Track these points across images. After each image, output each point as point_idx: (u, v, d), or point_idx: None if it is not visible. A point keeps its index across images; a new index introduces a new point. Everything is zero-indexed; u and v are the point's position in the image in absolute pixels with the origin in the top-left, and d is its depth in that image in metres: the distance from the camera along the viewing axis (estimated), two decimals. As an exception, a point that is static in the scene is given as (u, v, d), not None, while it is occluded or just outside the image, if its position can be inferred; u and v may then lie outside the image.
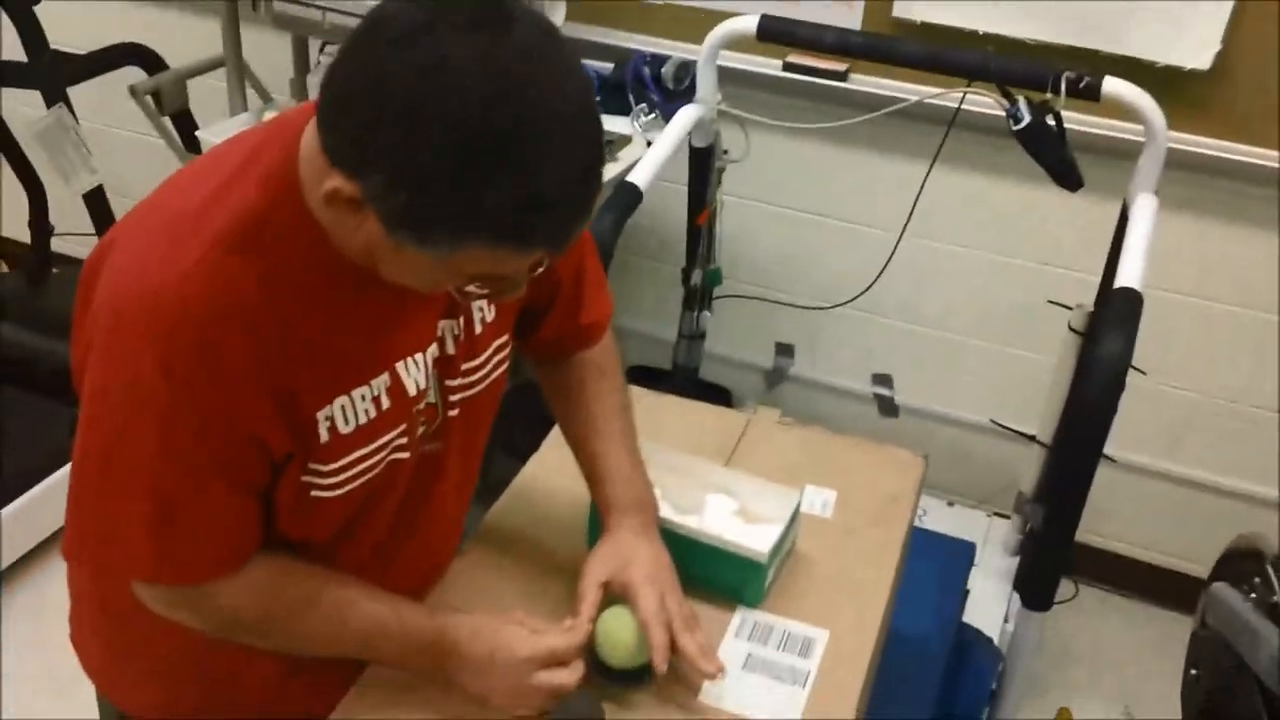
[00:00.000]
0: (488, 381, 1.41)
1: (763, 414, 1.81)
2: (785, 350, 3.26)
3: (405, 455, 1.32)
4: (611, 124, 2.77)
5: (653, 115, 2.76)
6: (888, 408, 3.22)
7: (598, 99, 2.94)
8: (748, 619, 1.47)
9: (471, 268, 1.10)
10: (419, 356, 1.29)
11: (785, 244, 3.12)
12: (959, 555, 2.29)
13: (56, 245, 3.42)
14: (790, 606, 1.49)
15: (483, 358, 1.38)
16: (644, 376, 2.45)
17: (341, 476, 1.25)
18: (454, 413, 1.37)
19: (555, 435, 1.72)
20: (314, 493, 1.25)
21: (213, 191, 1.15)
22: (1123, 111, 2.16)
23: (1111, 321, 1.97)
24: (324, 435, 1.21)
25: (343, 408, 1.22)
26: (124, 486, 1.17)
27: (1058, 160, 2.15)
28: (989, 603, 2.73)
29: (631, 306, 3.23)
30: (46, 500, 2.92)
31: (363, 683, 1.37)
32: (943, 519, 3.03)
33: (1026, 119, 2.11)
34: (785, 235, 3.10)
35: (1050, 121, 2.13)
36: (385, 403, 1.26)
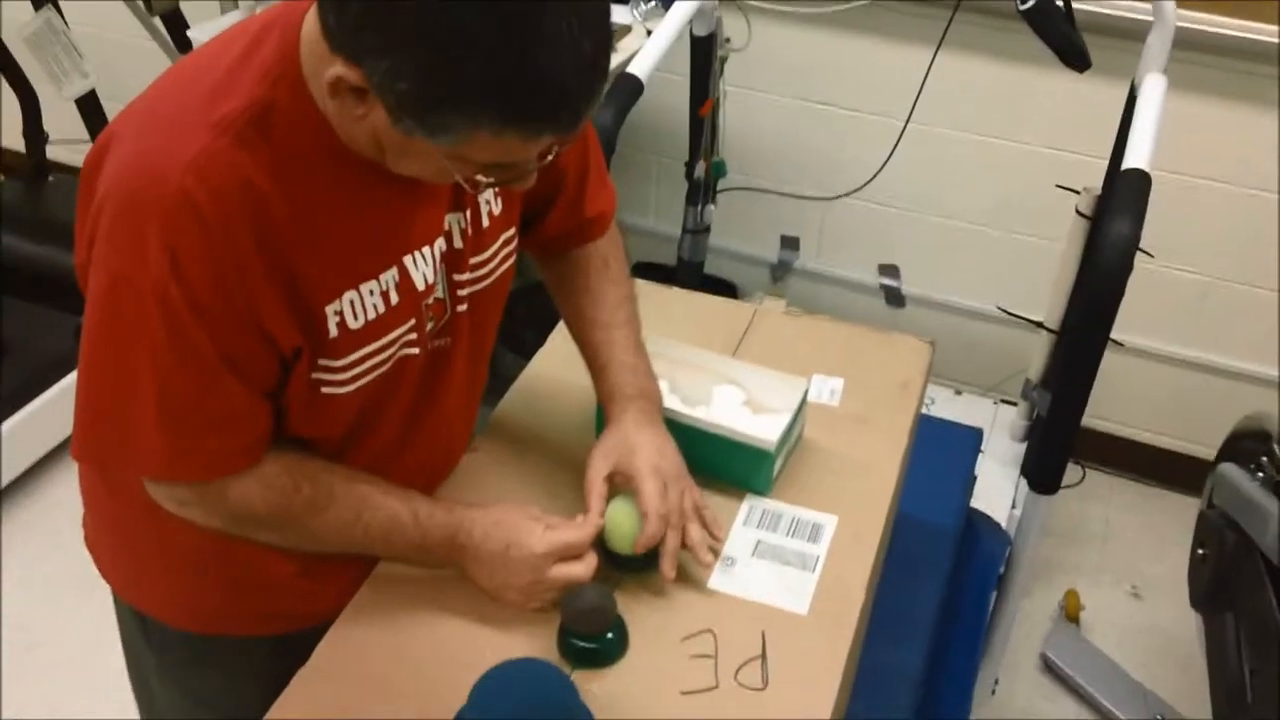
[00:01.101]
0: (495, 276, 1.40)
1: (769, 305, 1.81)
2: (790, 243, 3.24)
3: (415, 351, 1.31)
4: (611, 13, 2.72)
5: (653, 4, 2.71)
6: (894, 298, 3.21)
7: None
8: (756, 506, 1.47)
9: (479, 156, 1.09)
10: (426, 250, 1.28)
11: (789, 134, 3.08)
12: (966, 442, 2.30)
13: (51, 152, 3.39)
14: (799, 494, 1.50)
15: (489, 251, 1.37)
16: (649, 272, 2.43)
17: (352, 373, 1.25)
18: (462, 308, 1.36)
19: (560, 330, 1.71)
20: (324, 389, 1.24)
21: (215, 83, 1.13)
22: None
23: (1120, 202, 1.95)
24: (333, 330, 1.21)
25: (351, 302, 1.21)
26: (132, 381, 1.17)
27: (1065, 40, 2.11)
28: (997, 489, 2.75)
29: (635, 202, 3.21)
30: (51, 409, 2.93)
31: (374, 578, 1.38)
32: (951, 407, 3.04)
33: (1033, -2, 2.07)
34: (789, 125, 3.07)
35: (1058, 0, 2.09)
36: (394, 298, 1.25)
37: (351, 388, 1.26)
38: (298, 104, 1.13)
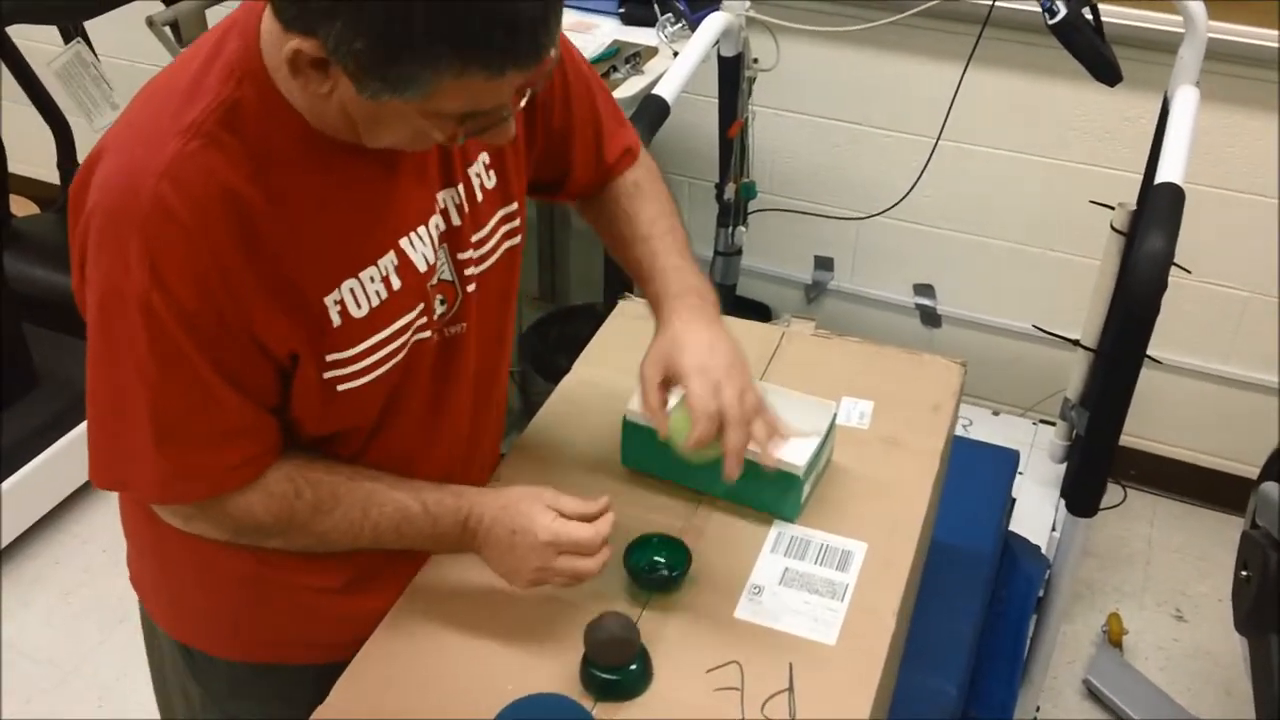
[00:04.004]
0: (498, 254, 1.38)
1: (797, 326, 1.78)
2: (824, 263, 3.22)
3: (427, 335, 1.31)
4: (637, 35, 2.72)
5: (679, 25, 2.69)
6: (930, 318, 3.18)
7: (621, 10, 2.90)
8: (784, 533, 1.45)
9: (450, 105, 1.08)
10: (422, 230, 1.27)
11: (820, 154, 3.06)
12: (1003, 464, 2.26)
13: (85, 184, 3.41)
14: (827, 520, 1.47)
15: (489, 227, 1.36)
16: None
17: (364, 363, 1.24)
18: (471, 288, 1.35)
19: (584, 357, 1.70)
20: (340, 387, 1.23)
21: (182, 90, 1.13)
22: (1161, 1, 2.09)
23: (1154, 218, 1.92)
24: (335, 319, 1.20)
25: (351, 291, 1.21)
26: (125, 399, 1.16)
27: (1095, 53, 2.08)
28: (1037, 511, 2.71)
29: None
30: (84, 442, 2.92)
31: (394, 613, 1.36)
32: (989, 428, 3.00)
33: (1063, 11, 2.04)
34: (820, 145, 3.05)
35: (1087, 14, 2.06)
36: (396, 282, 1.24)
37: (368, 379, 1.25)
38: (265, 98, 1.13)
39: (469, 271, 1.34)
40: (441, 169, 1.28)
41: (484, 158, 1.33)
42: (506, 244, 1.39)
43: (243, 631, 1.44)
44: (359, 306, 1.21)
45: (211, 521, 1.27)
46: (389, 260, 1.23)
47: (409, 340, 1.28)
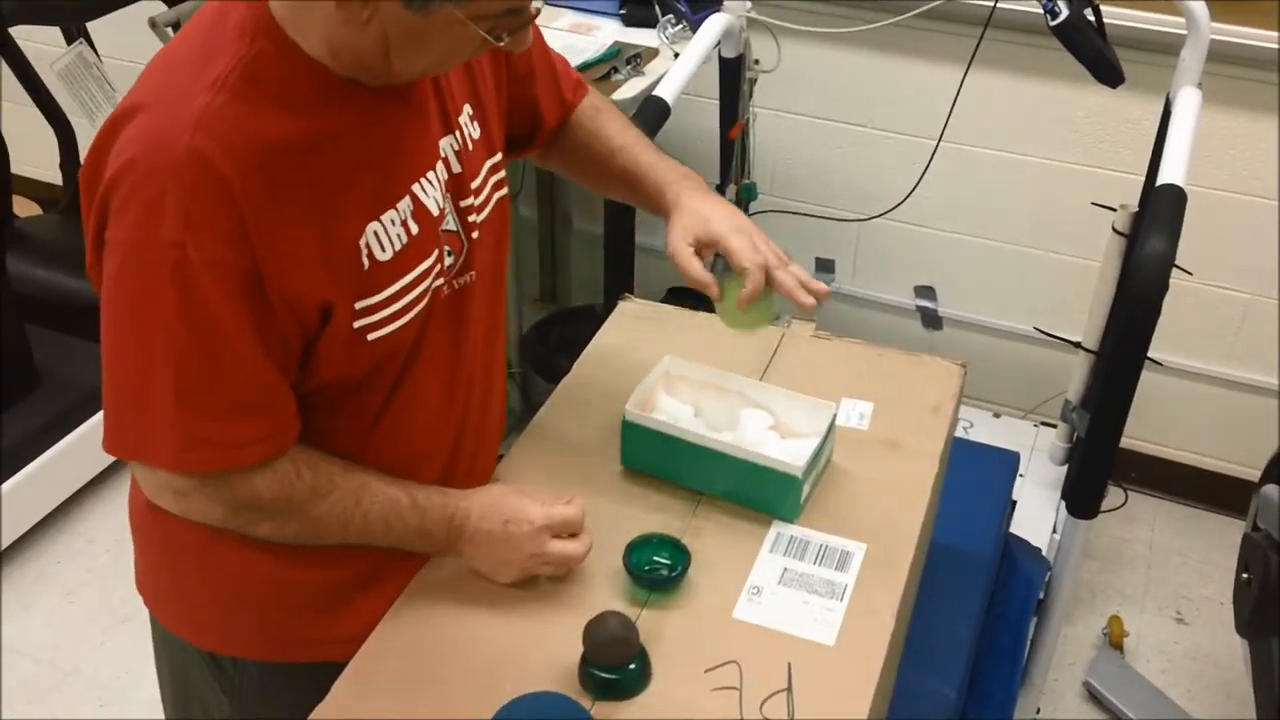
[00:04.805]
0: (492, 203, 1.41)
1: (797, 328, 1.78)
2: (825, 265, 3.22)
3: (441, 283, 1.33)
4: (638, 37, 2.72)
5: (680, 26, 2.69)
6: (931, 320, 3.18)
7: (622, 12, 2.89)
8: (783, 534, 1.44)
9: (494, 4, 1.13)
10: (431, 175, 1.30)
11: (821, 155, 3.06)
12: (1002, 466, 2.25)
13: (88, 185, 3.41)
14: (827, 521, 1.47)
15: (481, 176, 1.39)
16: (680, 298, 2.41)
17: (393, 309, 1.26)
18: (475, 235, 1.37)
19: (584, 358, 1.70)
20: (371, 335, 1.25)
21: (194, 56, 1.15)
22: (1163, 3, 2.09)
23: (1155, 219, 1.92)
24: (365, 263, 1.22)
25: (376, 234, 1.23)
26: (148, 359, 1.16)
27: (1097, 55, 2.08)
28: (1038, 513, 2.71)
29: (665, 226, 3.18)
30: (86, 441, 2.94)
31: (392, 614, 1.36)
32: (990, 430, 3.00)
33: (1065, 13, 2.04)
34: (821, 146, 3.05)
35: (1089, 15, 2.06)
36: (414, 227, 1.27)
37: (395, 325, 1.26)
38: (281, 50, 1.15)
39: (472, 219, 1.37)
40: (440, 116, 1.32)
41: (467, 109, 1.37)
42: (497, 194, 1.42)
43: (270, 631, 1.43)
44: (383, 250, 1.23)
45: (211, 498, 1.26)
46: (406, 204, 1.26)
47: (429, 288, 1.30)
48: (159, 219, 1.10)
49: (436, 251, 1.30)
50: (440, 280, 1.32)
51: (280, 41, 1.15)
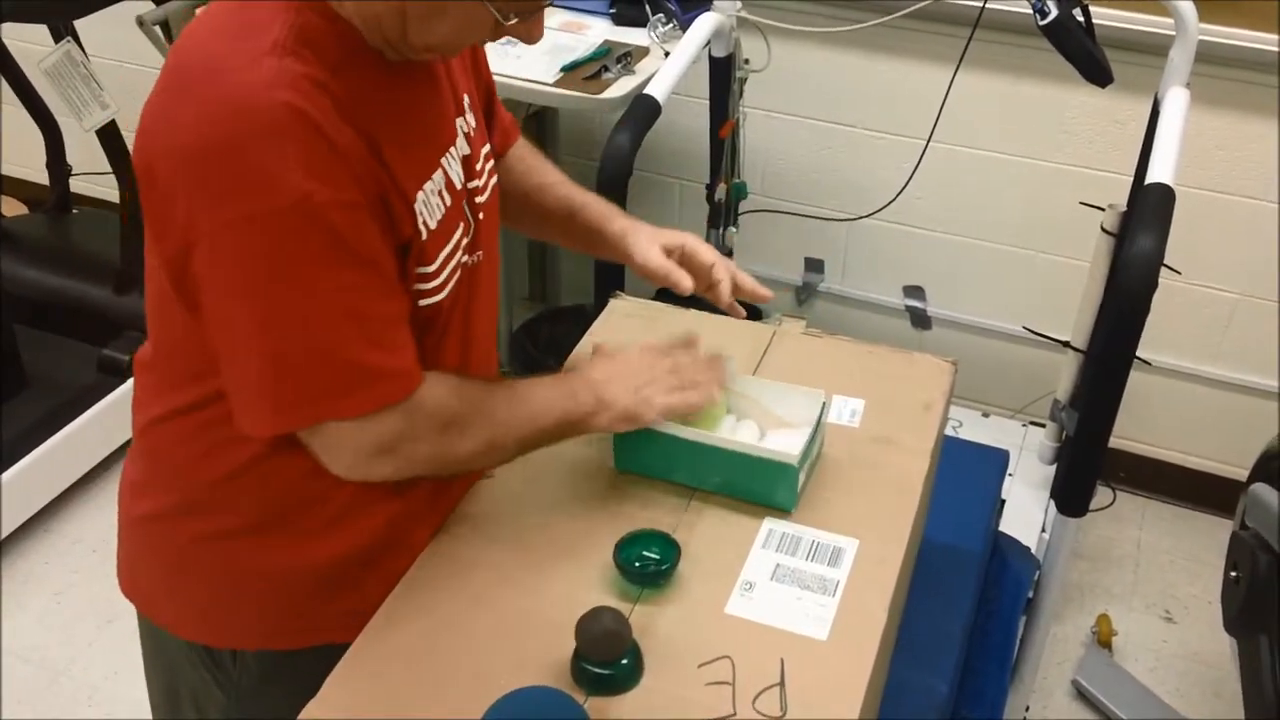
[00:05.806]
0: (489, 190, 1.43)
1: (788, 325, 1.78)
2: (815, 265, 3.22)
3: (464, 258, 1.34)
4: (629, 36, 2.73)
5: (670, 25, 2.70)
6: (920, 320, 3.18)
7: (612, 11, 2.90)
8: (775, 530, 1.45)
9: None
10: (453, 150, 1.32)
11: (811, 155, 3.07)
12: (992, 464, 2.26)
13: (74, 185, 3.40)
14: (818, 517, 1.47)
15: (482, 160, 1.41)
16: (670, 295, 2.41)
17: (442, 277, 1.28)
18: (481, 216, 1.39)
19: (578, 351, 1.70)
20: (422, 301, 1.26)
21: (237, 31, 1.14)
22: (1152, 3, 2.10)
23: (1143, 218, 1.93)
24: (422, 230, 1.24)
25: (424, 201, 1.24)
26: (318, 315, 1.15)
27: (1086, 55, 2.09)
28: (1027, 512, 2.72)
29: (656, 224, 3.18)
30: (74, 442, 2.93)
31: (387, 606, 1.36)
32: (979, 429, 3.01)
33: (1054, 13, 2.05)
34: (811, 146, 3.05)
35: (1078, 15, 2.07)
36: (447, 198, 1.29)
37: (443, 294, 1.29)
38: (327, 20, 1.16)
39: (479, 200, 1.38)
40: (453, 98, 1.34)
41: (467, 98, 1.39)
42: (493, 180, 1.44)
43: (271, 618, 1.42)
44: (431, 217, 1.25)
45: (420, 428, 1.24)
46: (440, 176, 1.28)
47: (460, 261, 1.32)
48: (273, 180, 1.09)
49: (462, 225, 1.32)
50: (466, 256, 1.34)
51: (323, 9, 1.16)
